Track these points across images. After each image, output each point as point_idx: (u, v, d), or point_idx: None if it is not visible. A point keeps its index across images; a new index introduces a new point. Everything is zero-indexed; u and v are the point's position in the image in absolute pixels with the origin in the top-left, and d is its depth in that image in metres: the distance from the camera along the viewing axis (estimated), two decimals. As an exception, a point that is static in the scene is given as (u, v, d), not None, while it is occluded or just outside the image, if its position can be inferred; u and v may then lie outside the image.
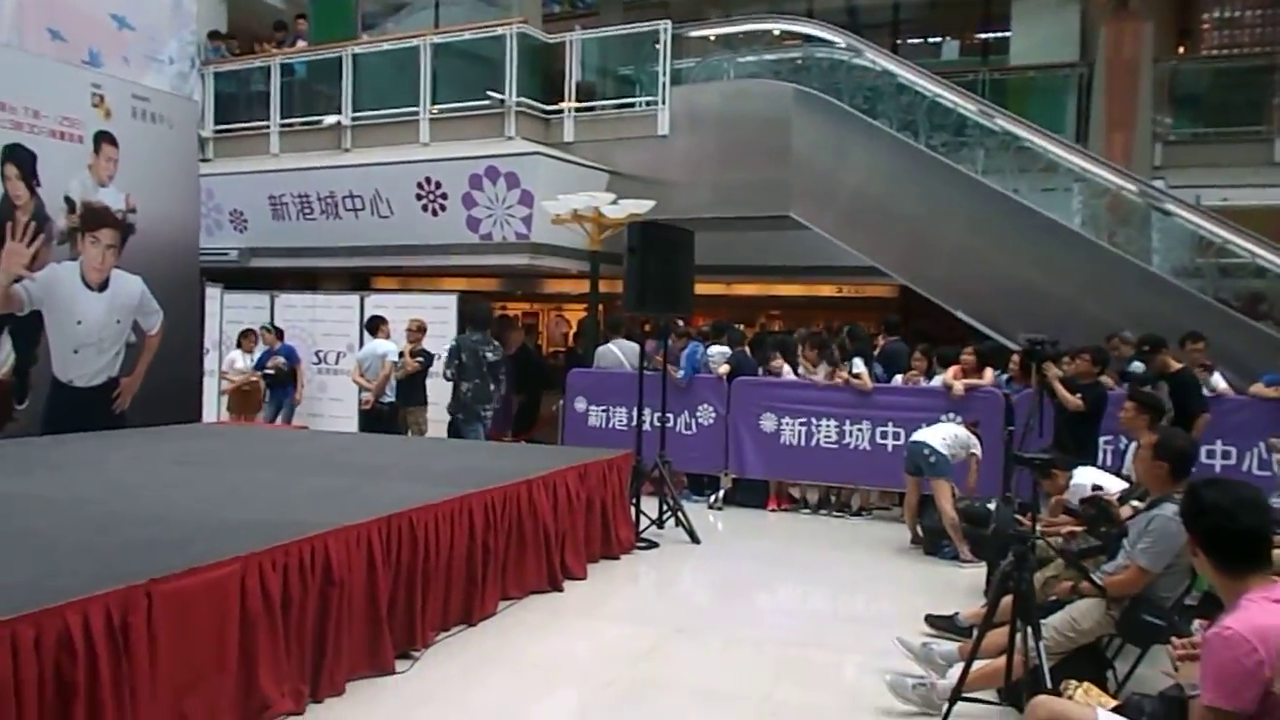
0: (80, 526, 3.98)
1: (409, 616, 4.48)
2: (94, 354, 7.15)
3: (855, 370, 8.15)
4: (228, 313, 11.01)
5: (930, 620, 4.97)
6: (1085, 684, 2.77)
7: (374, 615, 4.20)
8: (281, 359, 10.68)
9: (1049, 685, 2.83)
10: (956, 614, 4.87)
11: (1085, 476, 4.95)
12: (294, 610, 3.77)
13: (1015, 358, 7.72)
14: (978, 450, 6.96)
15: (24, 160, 6.53)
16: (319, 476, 5.53)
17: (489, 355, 8.32)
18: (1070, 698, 2.65)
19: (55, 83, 6.88)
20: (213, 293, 10.33)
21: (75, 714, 2.83)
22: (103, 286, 7.20)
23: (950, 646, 4.23)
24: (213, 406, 10.08)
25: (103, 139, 7.11)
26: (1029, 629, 3.08)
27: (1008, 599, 3.43)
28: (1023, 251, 9.47)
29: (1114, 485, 4.86)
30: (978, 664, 3.37)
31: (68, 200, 6.89)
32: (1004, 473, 7.05)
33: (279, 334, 10.92)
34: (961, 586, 6.15)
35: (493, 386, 8.40)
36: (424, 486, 5.06)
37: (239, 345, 10.73)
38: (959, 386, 7.73)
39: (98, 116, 7.08)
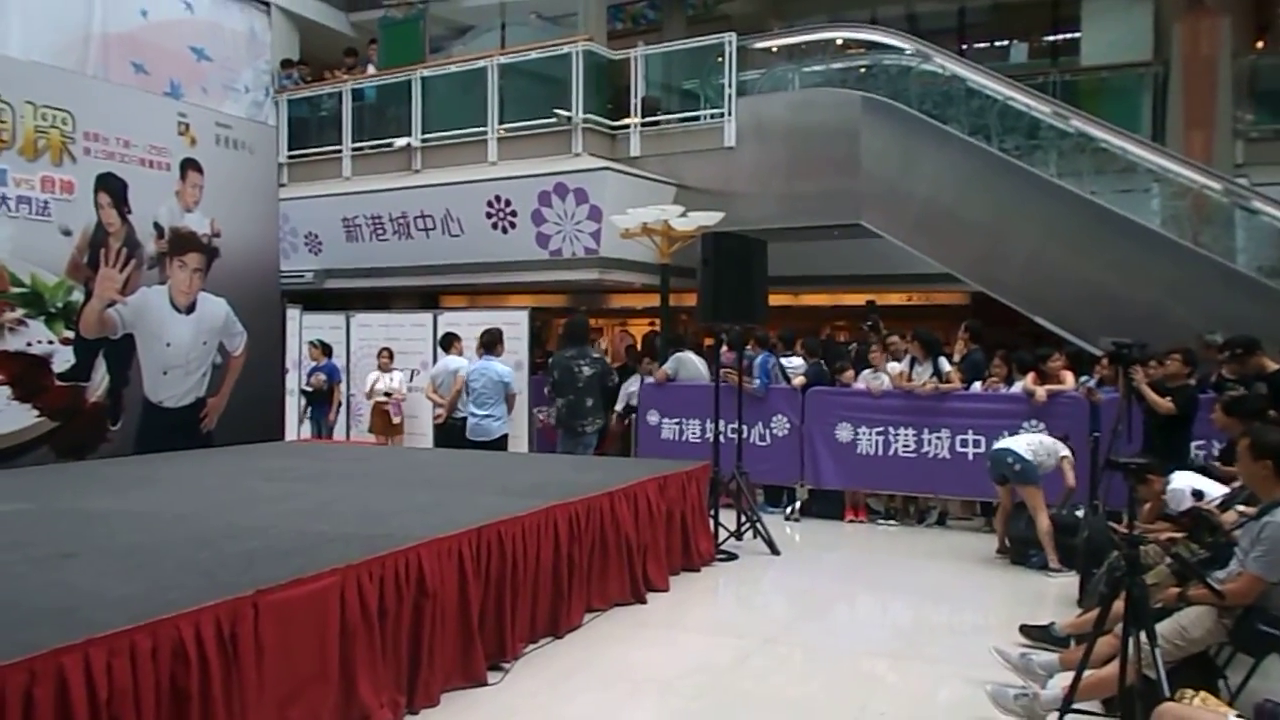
0: (182, 542, 4.07)
1: (499, 628, 4.51)
2: (182, 375, 7.36)
3: (945, 370, 8.03)
4: (306, 333, 11.23)
5: (1025, 630, 4.85)
6: (1202, 693, 2.68)
7: (466, 626, 4.24)
8: (323, 376, 10.85)
9: (1167, 693, 2.74)
10: (1052, 623, 4.75)
11: (1184, 481, 4.80)
12: (390, 621, 3.82)
13: (1103, 361, 7.56)
14: (1068, 453, 6.77)
15: (116, 189, 6.76)
16: (404, 490, 5.61)
17: (585, 370, 8.27)
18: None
19: (144, 113, 7.12)
20: (292, 313, 10.56)
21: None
22: (190, 309, 7.41)
23: (1050, 657, 4.12)
24: (294, 424, 10.27)
25: (189, 166, 7.33)
26: (1141, 636, 2.98)
27: (1115, 606, 3.32)
28: (1101, 254, 9.26)
29: (1214, 490, 4.71)
30: (1086, 674, 3.28)
31: (156, 226, 7.12)
32: (1091, 479, 6.97)
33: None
34: (1050, 596, 6.02)
35: (590, 401, 8.32)
36: (508, 499, 5.10)
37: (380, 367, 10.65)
38: (1041, 392, 7.57)
39: (184, 144, 7.30)
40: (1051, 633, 4.69)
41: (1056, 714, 3.10)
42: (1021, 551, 6.80)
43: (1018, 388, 7.83)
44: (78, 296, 6.54)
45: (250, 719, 3.12)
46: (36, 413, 6.28)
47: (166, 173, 7.18)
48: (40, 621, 2.83)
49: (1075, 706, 3.19)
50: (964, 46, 15.01)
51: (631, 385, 9.84)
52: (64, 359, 6.46)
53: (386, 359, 10.58)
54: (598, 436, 8.83)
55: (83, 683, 2.60)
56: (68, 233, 6.45)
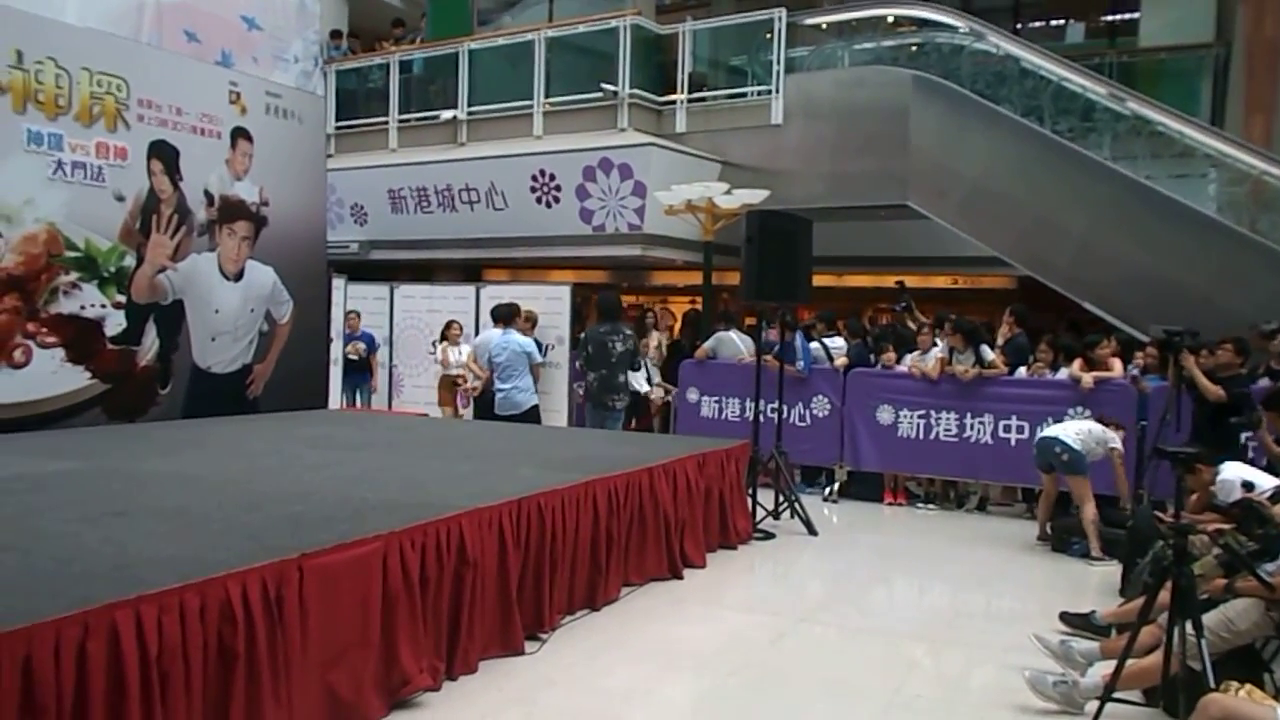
0: (229, 504, 4.15)
1: (537, 599, 4.55)
2: (230, 341, 7.48)
3: (987, 358, 7.93)
4: (351, 303, 11.35)
5: (1065, 618, 4.80)
6: (1248, 685, 2.64)
7: (505, 596, 4.28)
8: (362, 345, 10.94)
9: (1212, 685, 2.70)
10: (1094, 612, 4.70)
11: (1234, 472, 4.71)
12: (431, 589, 3.86)
13: (1151, 349, 7.44)
14: (1118, 444, 6.64)
15: (168, 156, 6.86)
16: (445, 460, 5.67)
17: (617, 346, 8.28)
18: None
19: (196, 81, 7.21)
20: (337, 283, 10.67)
21: (236, 679, 2.96)
22: (238, 276, 7.51)
23: (1090, 645, 4.08)
24: (336, 392, 10.38)
25: (239, 135, 7.42)
26: (1187, 626, 2.94)
27: (1160, 596, 3.28)
28: (1154, 240, 9.08)
29: (1265, 481, 4.62)
30: (1128, 663, 3.24)
31: (207, 194, 7.22)
32: (1137, 468, 6.88)
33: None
34: (1091, 584, 5.95)
35: (622, 378, 8.31)
36: (548, 472, 5.13)
37: (443, 337, 10.55)
38: (1088, 379, 7.45)
39: (235, 113, 7.38)
40: (1092, 621, 4.63)
41: (1095, 702, 3.07)
42: (1063, 539, 6.72)
43: (1064, 374, 7.71)
44: (130, 262, 6.66)
45: (294, 680, 3.17)
46: (89, 375, 6.42)
47: (217, 141, 7.27)
48: (93, 577, 2.90)
49: (1116, 695, 3.15)
50: (1019, 25, 14.71)
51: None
52: (116, 323, 6.59)
53: (457, 331, 10.56)
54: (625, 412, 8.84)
55: (134, 638, 2.66)
56: (121, 198, 6.56)
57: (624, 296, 16.35)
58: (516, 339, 8.61)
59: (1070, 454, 6.48)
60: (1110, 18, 14.70)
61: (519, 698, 3.90)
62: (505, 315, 8.80)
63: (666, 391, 9.72)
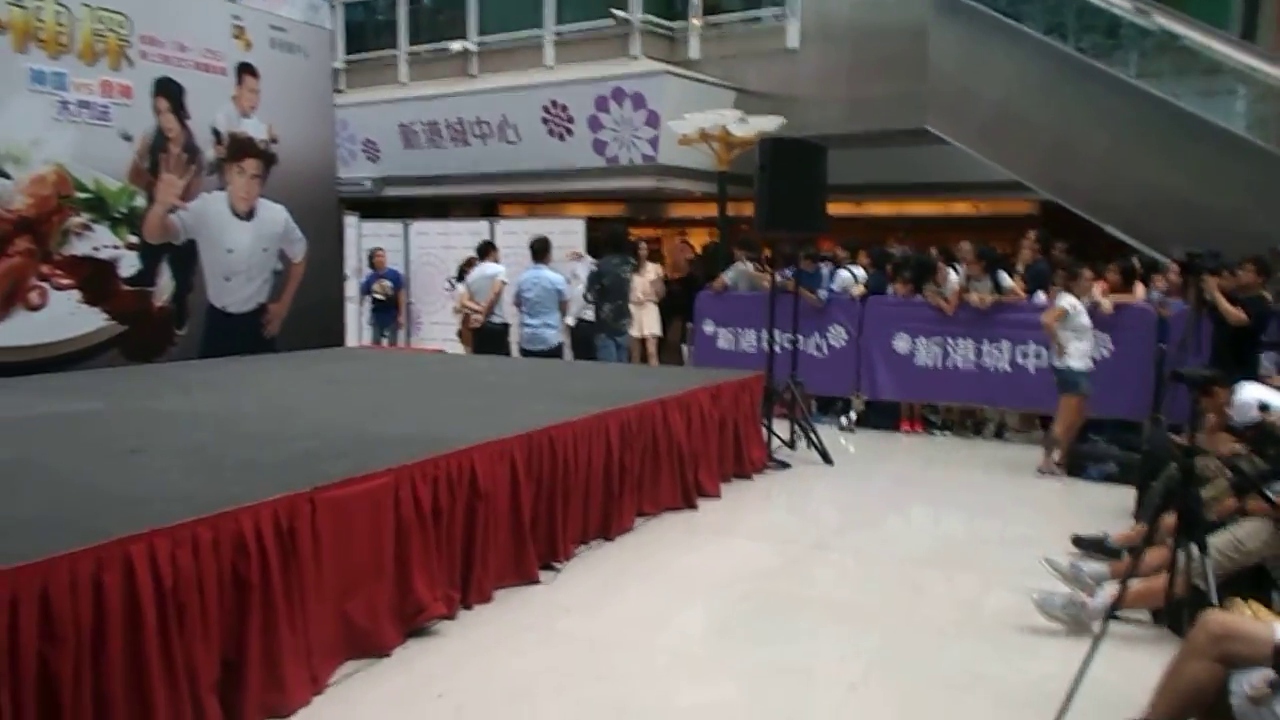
0: (243, 441, 4.21)
1: (550, 530, 4.60)
2: (244, 281, 7.50)
3: (1005, 285, 7.84)
4: (365, 241, 11.34)
5: (1077, 541, 4.81)
6: (1252, 603, 2.64)
7: (518, 527, 4.33)
8: (388, 283, 10.93)
9: (1215, 603, 2.70)
10: (1106, 535, 4.70)
11: (1251, 394, 4.64)
12: (444, 520, 3.91)
13: (1172, 271, 7.33)
14: None
15: (174, 93, 6.81)
16: (460, 395, 5.71)
17: (628, 276, 8.32)
18: (1239, 617, 2.53)
19: (198, 16, 7.10)
20: (350, 221, 10.65)
21: (251, 608, 3.02)
22: (250, 215, 7.50)
23: (1099, 566, 4.09)
24: (354, 330, 10.42)
25: (244, 70, 7.35)
26: (1194, 548, 2.94)
27: (1168, 518, 3.27)
28: (1181, 160, 8.87)
29: (1282, 402, 4.56)
30: (1134, 584, 3.25)
31: (214, 131, 7.18)
32: (1155, 392, 6.82)
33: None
34: (1106, 509, 5.92)
35: (631, 307, 8.40)
36: (562, 405, 5.15)
37: (461, 277, 10.26)
38: (1108, 303, 7.36)
39: (239, 48, 7.30)
40: (1105, 544, 4.64)
41: (1102, 622, 3.08)
42: (1079, 465, 6.70)
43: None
44: (141, 202, 6.66)
45: (310, 609, 3.24)
46: (105, 316, 6.47)
47: (223, 77, 7.20)
48: (109, 512, 2.95)
49: (1124, 615, 3.17)
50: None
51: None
52: (130, 264, 6.62)
53: (471, 268, 10.49)
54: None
55: (149, 571, 2.71)
56: (128, 138, 6.54)
57: (641, 230, 16.34)
58: (548, 275, 8.46)
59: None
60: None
61: (534, 625, 3.96)
62: (538, 250, 8.56)
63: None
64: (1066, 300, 6.65)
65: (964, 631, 3.96)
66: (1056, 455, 6.80)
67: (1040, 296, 7.95)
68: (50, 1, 5.98)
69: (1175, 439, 4.87)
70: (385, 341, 10.92)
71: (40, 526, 2.83)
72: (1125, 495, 5.92)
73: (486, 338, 9.03)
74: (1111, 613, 3.04)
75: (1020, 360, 7.79)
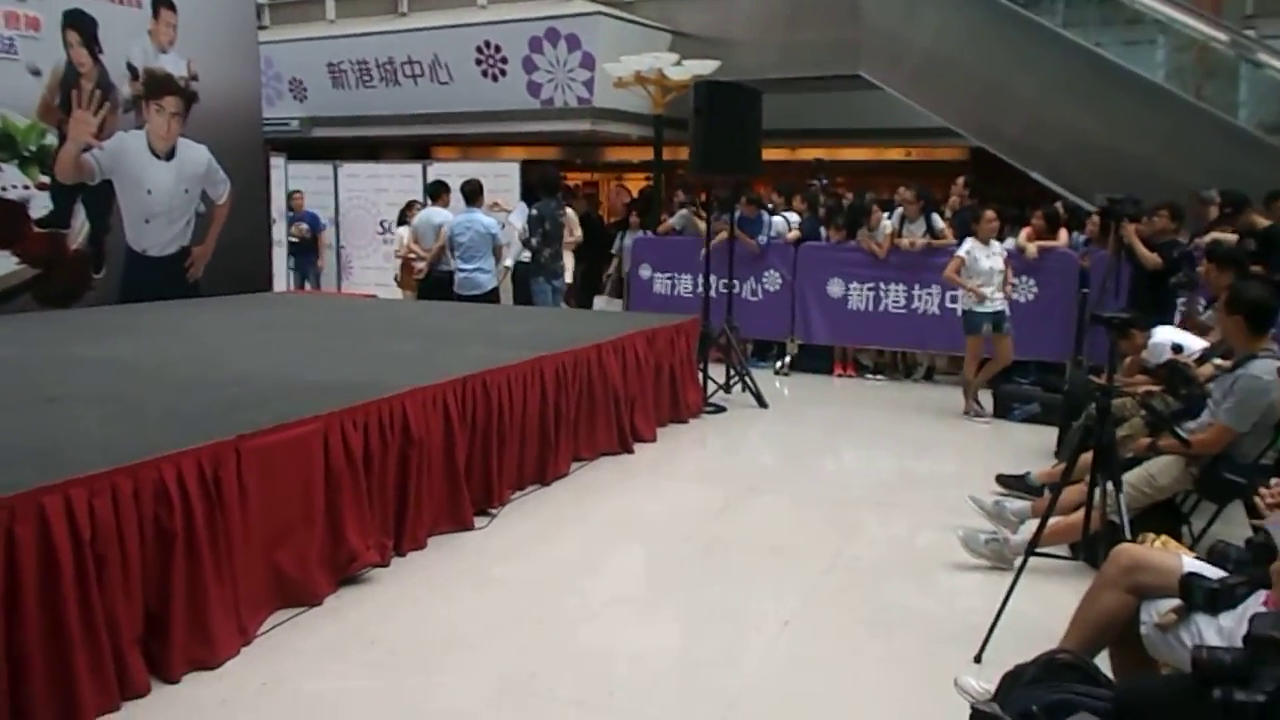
0: (165, 389, 4.10)
1: (485, 475, 4.58)
2: (165, 223, 7.26)
3: (938, 227, 7.93)
4: (292, 183, 11.03)
5: (1001, 480, 4.95)
6: (1163, 536, 2.74)
7: (452, 473, 4.31)
8: (305, 225, 10.65)
9: (1129, 537, 2.80)
10: (1028, 473, 4.84)
11: (1164, 335, 4.81)
12: (375, 468, 3.87)
13: (1094, 218, 7.47)
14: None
15: (86, 26, 6.50)
16: (391, 341, 5.62)
17: (563, 221, 8.25)
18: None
19: (111, -55, 6.77)
20: (276, 163, 10.33)
21: (175, 559, 2.96)
22: (170, 155, 7.24)
23: (1022, 504, 4.21)
24: (282, 275, 10.17)
25: (161, 4, 7.05)
26: (1109, 484, 3.04)
27: (1085, 456, 3.37)
28: (1103, 109, 9.01)
29: (1194, 344, 4.72)
30: (1053, 520, 3.35)
31: (130, 67, 6.88)
32: (1077, 335, 6.99)
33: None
34: (1030, 448, 6.10)
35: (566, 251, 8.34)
36: (496, 349, 5.10)
37: (402, 221, 10.01)
38: (1032, 248, 7.50)
39: (155, -21, 6.98)
40: (1027, 482, 4.78)
41: (1023, 557, 3.18)
42: (1004, 405, 6.87)
43: (1010, 244, 7.74)
44: (52, 140, 6.38)
45: (237, 559, 3.18)
46: (16, 260, 6.23)
47: (138, 10, 6.89)
48: (22, 463, 2.85)
49: (1043, 550, 3.27)
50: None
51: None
52: (41, 205, 6.35)
53: (414, 213, 10.25)
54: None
55: (64, 522, 2.63)
56: (37, 73, 6.23)
57: (577, 174, 16.17)
58: (481, 218, 8.26)
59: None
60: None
61: (469, 570, 3.96)
62: (470, 193, 8.34)
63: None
64: (963, 248, 6.83)
65: (893, 569, 4.05)
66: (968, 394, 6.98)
67: (969, 242, 8.04)
68: (-53, -73, 5.65)
69: (1094, 380, 5.01)
70: (308, 286, 10.69)
71: (-53, 477, 2.72)
72: (1048, 435, 6.09)
73: (433, 285, 8.85)
74: (1031, 548, 3.13)
75: (950, 304, 7.91)
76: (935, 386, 8.25)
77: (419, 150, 13.83)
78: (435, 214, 9.07)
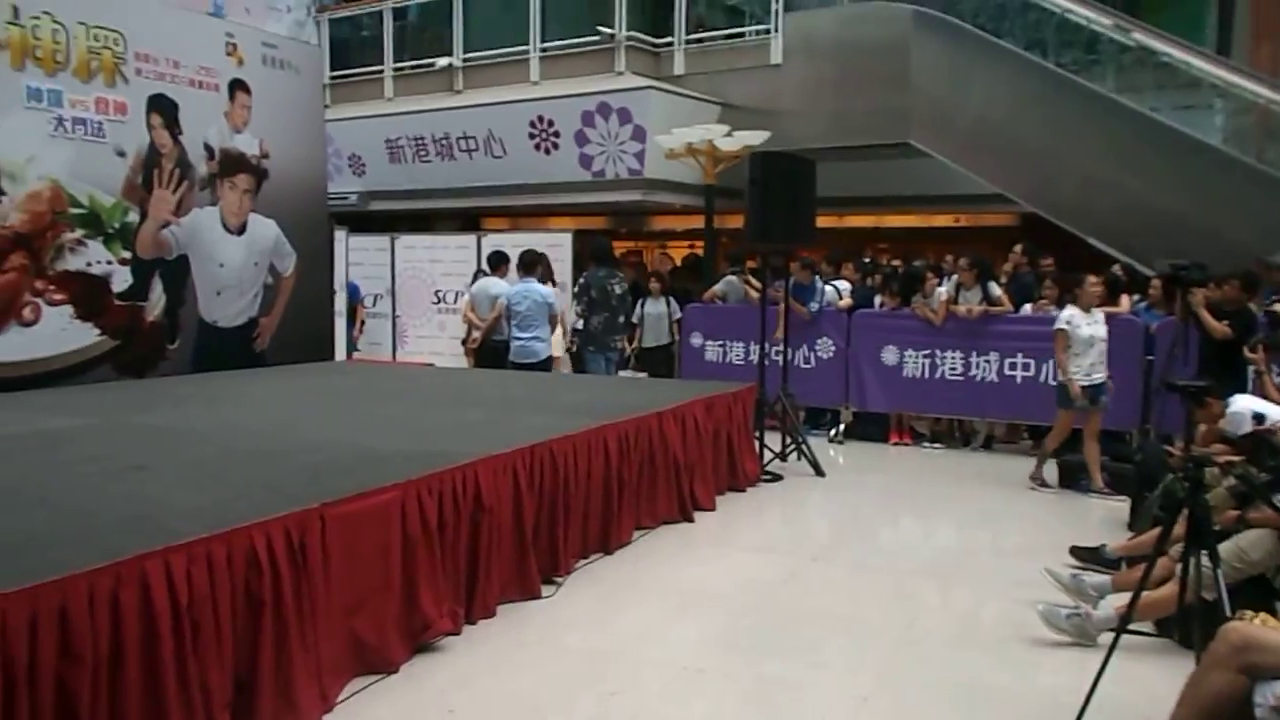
0: (245, 456, 4.19)
1: (552, 543, 4.61)
2: (235, 295, 7.47)
3: (995, 295, 7.92)
4: (351, 255, 11.31)
5: (1075, 552, 4.86)
6: (1262, 614, 2.68)
7: (521, 541, 4.34)
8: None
9: (1229, 614, 2.74)
10: (1104, 545, 4.75)
11: (1244, 404, 4.71)
12: (449, 535, 3.91)
13: (1156, 283, 7.43)
14: None
15: (168, 109, 6.79)
16: (455, 409, 5.70)
17: (616, 289, 8.37)
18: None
19: (192, 33, 7.10)
20: (338, 235, 10.61)
21: (264, 625, 3.01)
22: (241, 230, 7.48)
23: (1102, 578, 4.14)
24: (343, 344, 10.37)
25: (237, 87, 7.33)
26: (1203, 557, 2.98)
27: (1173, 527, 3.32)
28: (1161, 173, 9.02)
29: (1276, 413, 4.64)
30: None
31: (207, 147, 7.16)
32: (1143, 402, 6.90)
33: None
34: (1096, 519, 6.02)
35: (622, 319, 8.45)
36: (559, 418, 5.16)
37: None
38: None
39: (232, 65, 7.29)
40: (1102, 555, 4.69)
41: (1108, 634, 3.12)
42: (1071, 476, 6.77)
43: (1070, 310, 7.69)
44: (134, 217, 6.63)
45: (320, 625, 3.23)
46: (98, 331, 6.43)
47: (216, 93, 7.19)
48: (121, 529, 2.94)
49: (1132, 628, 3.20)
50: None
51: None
52: (122, 279, 6.58)
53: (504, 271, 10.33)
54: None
55: (165, 588, 2.69)
56: (122, 154, 6.51)
57: (623, 242, 16.37)
58: (538, 288, 8.37)
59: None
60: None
61: (538, 639, 3.96)
62: (528, 263, 8.47)
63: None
64: (1062, 318, 6.61)
65: (967, 643, 3.99)
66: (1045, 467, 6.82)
67: (1027, 308, 8.05)
68: (47, 19, 5.96)
69: (1170, 449, 4.94)
70: (354, 354, 10.84)
71: (51, 544, 2.80)
72: (1116, 506, 6.00)
73: (488, 354, 8.99)
74: (1124, 625, 3.06)
75: (1008, 371, 7.87)
76: (994, 455, 8.16)
77: (470, 221, 14.13)
78: (492, 284, 9.24)
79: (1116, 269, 8.17)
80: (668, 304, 9.36)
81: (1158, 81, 9.70)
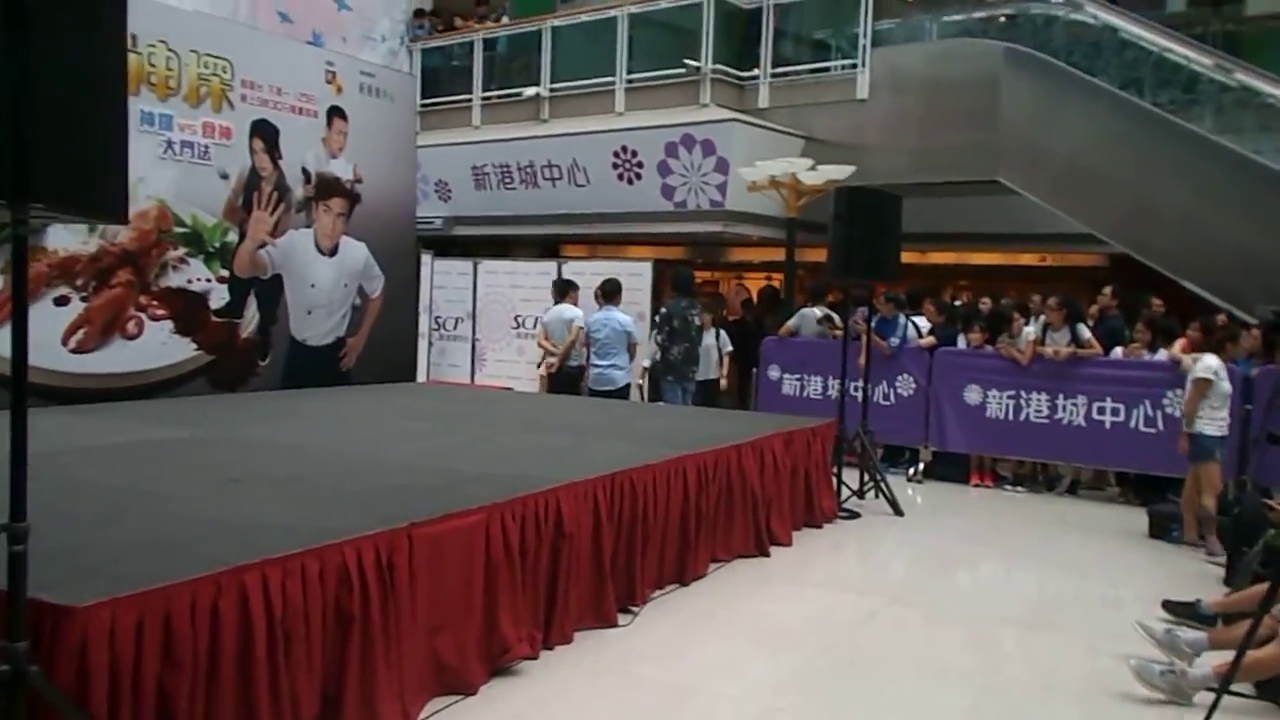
0: (335, 473, 4.29)
1: (629, 572, 4.61)
2: (325, 315, 7.68)
3: (1084, 337, 7.74)
4: (436, 278, 11.54)
5: (1168, 606, 4.69)
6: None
7: (599, 569, 4.35)
8: None
9: (1339, 677, 2.63)
10: (1199, 601, 4.58)
11: (1351, 459, 4.55)
12: (530, 560, 3.95)
13: (1255, 331, 7.19)
14: None
15: (269, 134, 7.05)
16: (536, 434, 5.76)
17: (696, 319, 8.41)
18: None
19: (295, 62, 7.38)
20: (423, 259, 10.85)
21: (352, 641, 3.07)
22: (333, 252, 7.70)
23: (1198, 635, 3.99)
24: (424, 365, 10.57)
25: (335, 114, 7.58)
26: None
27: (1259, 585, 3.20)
28: (1263, 217, 8.72)
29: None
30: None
31: (304, 171, 7.41)
32: (1240, 454, 6.67)
33: None
34: (1189, 572, 5.80)
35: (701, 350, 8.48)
36: (638, 447, 5.18)
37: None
38: (1189, 361, 7.22)
39: (331, 92, 7.55)
40: (1198, 610, 4.52)
41: (1204, 692, 3.01)
42: (1163, 526, 6.55)
43: (1162, 355, 7.50)
44: (233, 237, 6.88)
45: (404, 644, 3.28)
46: (195, 346, 6.67)
47: (315, 120, 7.44)
48: (218, 540, 3.02)
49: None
50: (1115, -6, 14.23)
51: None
52: (220, 296, 6.83)
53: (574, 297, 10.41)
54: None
55: (261, 599, 2.77)
56: (225, 176, 6.77)
57: (700, 272, 16.40)
58: (618, 316, 8.53)
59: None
60: (1214, -15, 14.11)
61: (614, 668, 3.96)
62: (609, 291, 8.65)
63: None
64: (1208, 367, 6.23)
65: (1055, 695, 3.88)
66: (1205, 530, 6.29)
67: (1118, 351, 7.85)
68: (162, 47, 6.25)
69: (1269, 503, 4.77)
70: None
71: (155, 552, 2.90)
72: (1209, 559, 5.79)
73: (561, 381, 9.10)
74: (1225, 686, 2.95)
75: (1097, 415, 7.67)
76: (1079, 501, 7.94)
77: (548, 248, 14.30)
78: (565, 310, 9.31)
79: (1221, 317, 7.88)
80: (717, 336, 9.32)
81: (1260, 123, 9.43)
